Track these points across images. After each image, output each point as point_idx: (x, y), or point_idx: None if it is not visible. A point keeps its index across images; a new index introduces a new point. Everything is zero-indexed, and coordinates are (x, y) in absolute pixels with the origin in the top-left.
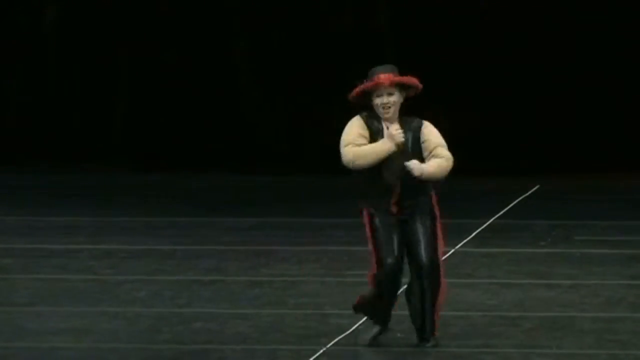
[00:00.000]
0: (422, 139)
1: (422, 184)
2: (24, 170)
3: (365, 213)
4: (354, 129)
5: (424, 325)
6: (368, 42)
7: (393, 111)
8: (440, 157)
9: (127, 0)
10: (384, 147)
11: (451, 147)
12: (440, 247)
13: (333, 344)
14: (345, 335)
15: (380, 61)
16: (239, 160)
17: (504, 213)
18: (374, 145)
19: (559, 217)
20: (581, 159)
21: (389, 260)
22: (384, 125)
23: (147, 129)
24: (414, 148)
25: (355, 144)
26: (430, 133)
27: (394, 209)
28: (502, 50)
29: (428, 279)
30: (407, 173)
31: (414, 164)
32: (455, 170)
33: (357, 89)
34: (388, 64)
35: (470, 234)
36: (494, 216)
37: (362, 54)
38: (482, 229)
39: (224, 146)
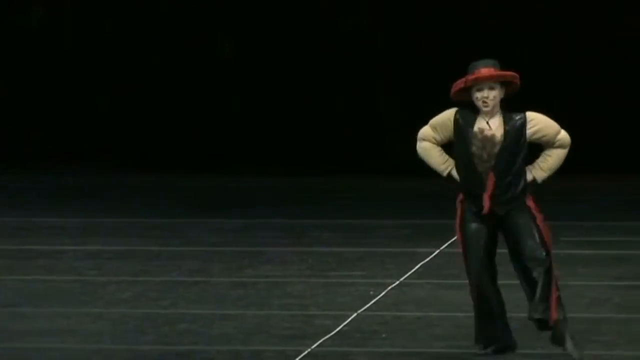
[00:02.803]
0: (535, 136)
1: (516, 182)
2: (8, 171)
3: (458, 200)
4: (442, 118)
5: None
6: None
7: (492, 105)
8: (556, 147)
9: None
10: (438, 167)
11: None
12: (548, 240)
13: (318, 345)
14: (330, 336)
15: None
16: (225, 161)
17: None
18: (437, 157)
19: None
20: (566, 159)
21: (474, 266)
22: (484, 120)
23: (132, 129)
24: (513, 143)
25: (434, 128)
26: (544, 125)
27: (486, 204)
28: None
29: (537, 270)
30: (501, 170)
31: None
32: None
33: (458, 84)
34: (490, 58)
35: (455, 235)
36: None
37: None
38: None
39: (209, 147)
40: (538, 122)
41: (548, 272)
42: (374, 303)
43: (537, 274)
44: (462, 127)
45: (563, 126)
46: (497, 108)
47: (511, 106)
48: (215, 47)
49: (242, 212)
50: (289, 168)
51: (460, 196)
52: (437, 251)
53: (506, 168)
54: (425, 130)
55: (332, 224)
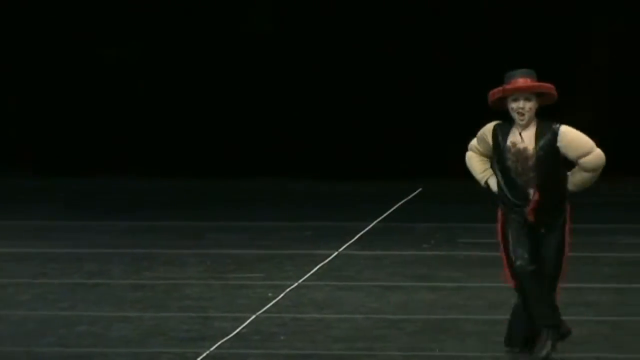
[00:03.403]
0: (562, 151)
1: (557, 190)
2: None
3: (499, 214)
4: (483, 131)
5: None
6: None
7: (528, 117)
8: (583, 171)
9: None
10: (477, 175)
11: (340, 149)
12: (566, 253)
13: (216, 347)
14: (229, 339)
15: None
16: (125, 163)
17: (386, 216)
18: (476, 166)
19: (442, 219)
20: (462, 160)
21: (519, 262)
22: (517, 131)
23: (39, 131)
24: (547, 156)
25: (478, 140)
26: (570, 143)
27: (530, 217)
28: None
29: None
30: (542, 184)
31: None
32: (337, 174)
33: (495, 92)
34: (526, 68)
35: (354, 237)
36: (377, 219)
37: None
38: (365, 232)
39: (108, 148)
40: (564, 139)
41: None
42: (272, 305)
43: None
44: (499, 140)
45: (463, 126)
46: (533, 119)
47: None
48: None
49: (140, 214)
50: (188, 171)
51: (501, 207)
52: (336, 253)
53: (546, 180)
54: (473, 142)
55: (230, 226)
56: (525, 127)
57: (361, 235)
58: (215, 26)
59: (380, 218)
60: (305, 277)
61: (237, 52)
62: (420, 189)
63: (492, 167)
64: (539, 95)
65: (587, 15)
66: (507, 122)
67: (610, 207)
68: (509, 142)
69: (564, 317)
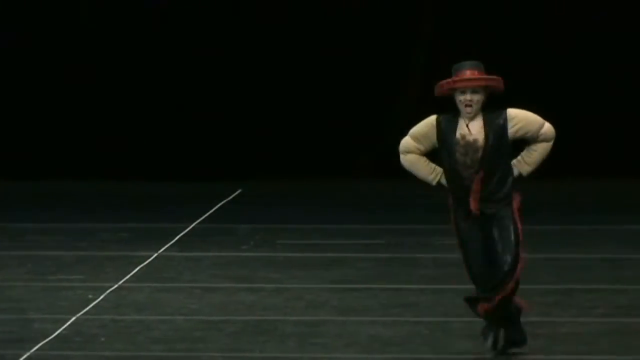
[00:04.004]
0: (518, 134)
1: (503, 181)
2: None
3: (449, 205)
4: (423, 127)
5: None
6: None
7: (475, 110)
8: (541, 142)
9: None
10: (427, 178)
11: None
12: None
13: (37, 349)
14: (49, 340)
15: None
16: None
17: (206, 217)
18: (424, 169)
19: (262, 221)
20: (281, 162)
21: (474, 269)
22: (465, 124)
23: None
24: (498, 145)
25: (417, 139)
26: (526, 120)
27: (474, 208)
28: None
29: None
30: (486, 173)
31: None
32: (158, 175)
33: (444, 85)
34: (474, 60)
35: (174, 238)
36: (196, 220)
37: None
38: (185, 233)
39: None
40: (519, 120)
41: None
42: (93, 307)
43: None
44: (445, 133)
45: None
46: (479, 112)
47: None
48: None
49: None
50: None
51: (450, 201)
52: (156, 254)
53: (491, 170)
54: (407, 142)
55: (49, 228)
56: (472, 119)
57: (181, 237)
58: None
59: (200, 219)
60: (125, 278)
61: None
62: (240, 190)
63: (438, 162)
64: (486, 87)
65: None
66: (449, 115)
67: (425, 208)
68: (457, 135)
69: (383, 318)
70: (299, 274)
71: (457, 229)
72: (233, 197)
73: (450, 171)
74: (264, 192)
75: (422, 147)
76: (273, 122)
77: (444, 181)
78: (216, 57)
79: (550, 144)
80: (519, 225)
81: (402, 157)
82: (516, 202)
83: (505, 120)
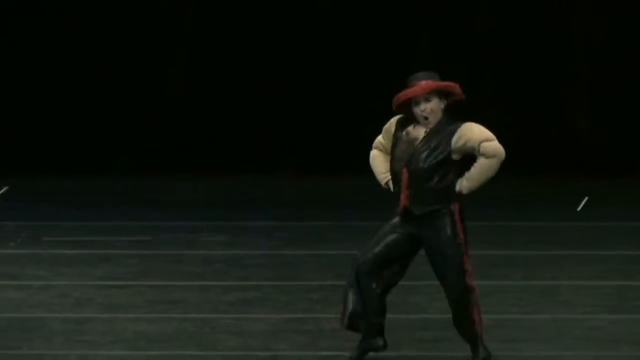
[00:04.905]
0: (458, 143)
1: (436, 187)
2: None
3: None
4: (388, 124)
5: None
6: None
7: (432, 119)
8: (480, 156)
9: None
10: (378, 176)
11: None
12: (467, 262)
13: None
14: None
15: None
16: None
17: None
18: (378, 166)
19: (28, 218)
20: (45, 159)
21: (358, 257)
22: (417, 126)
23: None
24: (432, 147)
25: (383, 135)
26: (470, 130)
27: (402, 200)
28: None
29: (454, 302)
30: (415, 169)
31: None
32: None
33: (398, 99)
34: (427, 71)
35: None
36: None
37: None
38: None
39: None
40: (466, 130)
41: (462, 295)
42: None
43: (454, 305)
44: (398, 130)
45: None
46: (438, 119)
47: None
48: None
49: None
50: None
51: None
52: None
53: (420, 168)
54: (378, 138)
55: None
56: (429, 126)
57: None
58: None
59: None
60: None
61: None
62: (6, 188)
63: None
64: (442, 95)
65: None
66: (408, 120)
67: (192, 205)
68: (403, 132)
69: (150, 315)
70: (66, 271)
71: (388, 221)
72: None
73: (391, 167)
74: (30, 189)
75: (385, 142)
76: (35, 118)
77: (391, 185)
78: None
79: (490, 161)
80: (460, 239)
81: (371, 152)
82: (456, 212)
83: (455, 130)
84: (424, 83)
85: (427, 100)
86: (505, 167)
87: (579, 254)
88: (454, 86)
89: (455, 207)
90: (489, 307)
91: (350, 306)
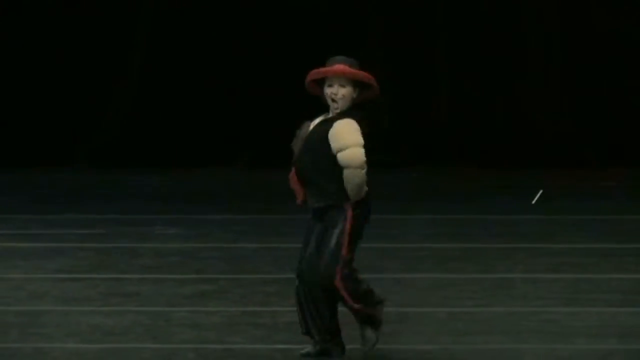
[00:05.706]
0: (332, 146)
1: (324, 183)
2: None
3: None
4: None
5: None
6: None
7: (341, 105)
8: (343, 167)
9: None
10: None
11: None
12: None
13: None
14: None
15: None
16: None
17: None
18: None
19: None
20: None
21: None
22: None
23: None
24: (318, 147)
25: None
26: (334, 135)
27: (298, 195)
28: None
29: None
30: (302, 164)
31: None
32: None
33: (311, 74)
34: (350, 57)
35: None
36: None
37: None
38: None
39: None
40: (334, 132)
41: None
42: None
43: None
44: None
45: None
46: (344, 109)
47: None
48: None
49: None
50: None
51: None
52: None
53: (307, 164)
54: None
55: None
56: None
57: None
58: None
59: None
60: None
61: None
62: None
63: None
64: (357, 85)
65: None
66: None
67: (145, 198)
68: (301, 128)
69: (104, 308)
70: (21, 264)
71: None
72: None
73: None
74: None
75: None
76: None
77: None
78: None
79: (347, 171)
80: (345, 236)
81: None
82: (348, 213)
83: (330, 127)
84: (343, 67)
85: (342, 85)
86: (460, 160)
87: (533, 247)
88: (371, 78)
89: (347, 205)
90: (444, 300)
91: (306, 316)
